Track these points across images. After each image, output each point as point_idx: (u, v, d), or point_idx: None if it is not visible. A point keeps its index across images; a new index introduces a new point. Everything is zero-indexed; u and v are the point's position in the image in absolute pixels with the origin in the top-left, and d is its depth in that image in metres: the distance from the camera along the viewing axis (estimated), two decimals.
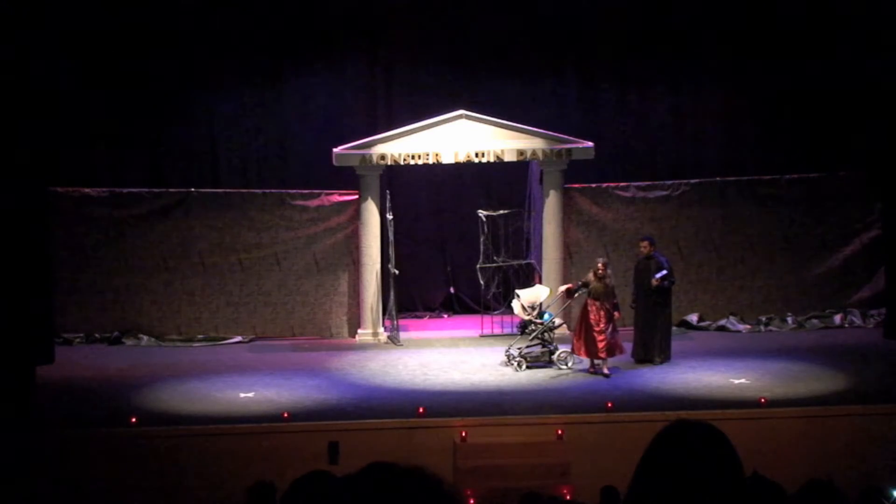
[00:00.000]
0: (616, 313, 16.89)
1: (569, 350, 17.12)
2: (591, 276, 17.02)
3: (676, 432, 3.27)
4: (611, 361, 16.92)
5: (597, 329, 16.65)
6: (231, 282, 19.66)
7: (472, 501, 13.60)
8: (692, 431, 3.27)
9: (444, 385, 16.60)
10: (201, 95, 20.58)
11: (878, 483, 11.23)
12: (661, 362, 17.23)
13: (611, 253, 19.60)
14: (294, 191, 19.78)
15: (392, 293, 19.22)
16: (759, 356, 17.78)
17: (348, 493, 2.73)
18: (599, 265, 16.91)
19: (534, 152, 19.05)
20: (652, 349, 17.31)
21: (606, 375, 16.68)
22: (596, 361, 16.82)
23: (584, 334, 16.80)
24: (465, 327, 20.07)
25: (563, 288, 17.82)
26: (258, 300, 19.71)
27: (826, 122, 20.43)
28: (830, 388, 16.04)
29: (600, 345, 16.65)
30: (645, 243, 17.52)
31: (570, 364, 17.07)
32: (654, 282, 17.16)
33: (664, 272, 17.27)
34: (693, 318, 20.00)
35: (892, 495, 10.16)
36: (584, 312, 16.89)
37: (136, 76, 19.99)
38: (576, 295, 17.29)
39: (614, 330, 16.80)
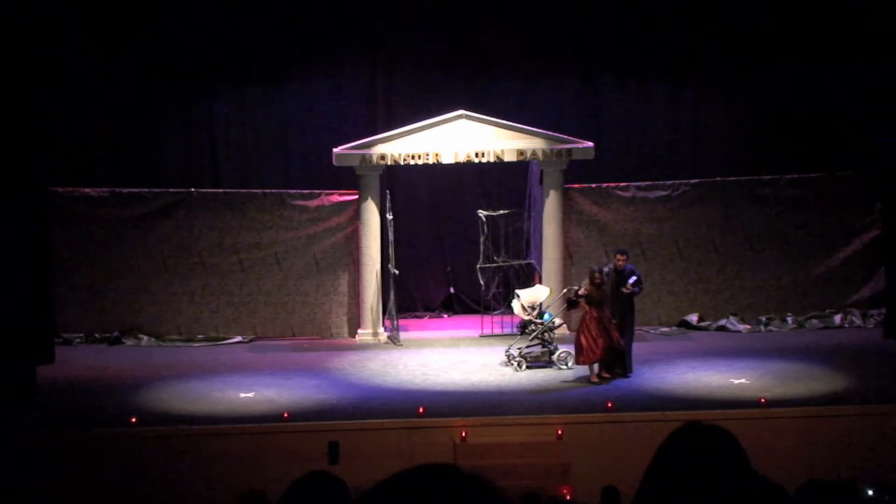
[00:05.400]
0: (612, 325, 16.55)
1: (569, 350, 17.08)
2: (586, 284, 16.66)
3: (689, 435, 3.27)
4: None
5: (592, 337, 16.33)
6: (231, 282, 19.66)
7: None
8: (704, 434, 3.27)
9: (444, 385, 16.60)
10: (201, 95, 20.58)
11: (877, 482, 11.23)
12: (624, 376, 16.66)
13: (610, 253, 19.57)
14: (294, 191, 19.78)
15: (392, 293, 19.22)
16: (759, 356, 17.78)
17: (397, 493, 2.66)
18: (596, 274, 16.61)
19: (534, 152, 19.05)
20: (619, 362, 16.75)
21: (597, 382, 16.50)
22: (595, 368, 16.61)
23: (581, 341, 16.50)
24: (465, 327, 20.06)
25: (564, 292, 17.81)
26: (258, 300, 19.71)
27: (826, 122, 20.43)
28: (830, 388, 16.05)
29: (594, 351, 16.34)
30: (622, 256, 16.97)
31: (570, 364, 17.02)
32: (624, 289, 16.60)
33: (635, 278, 16.74)
34: (693, 318, 19.99)
35: (866, 494, 10.17)
36: (582, 320, 16.66)
37: (136, 76, 19.99)
38: (577, 306, 16.99)
39: (609, 336, 16.47)
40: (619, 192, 19.99)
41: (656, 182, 20.16)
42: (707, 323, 20.00)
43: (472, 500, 2.61)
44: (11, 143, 15.95)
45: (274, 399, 15.93)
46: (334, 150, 18.92)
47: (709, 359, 17.71)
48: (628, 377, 16.66)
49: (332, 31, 20.54)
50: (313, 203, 19.64)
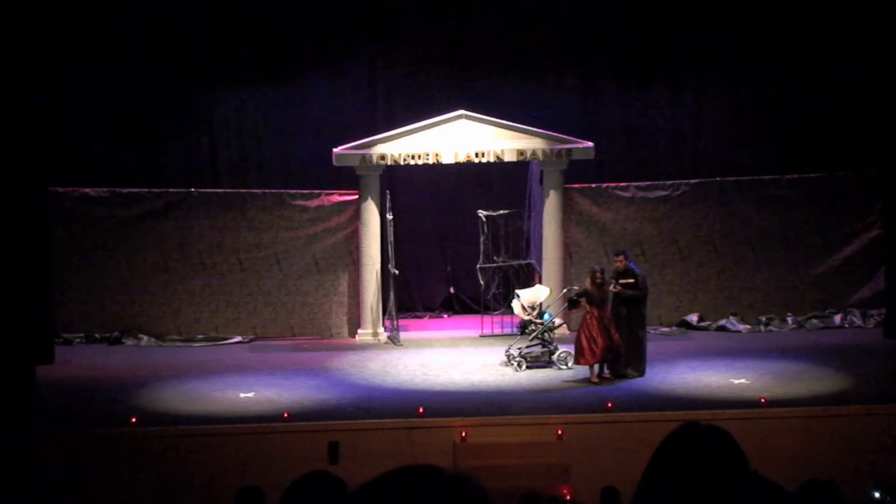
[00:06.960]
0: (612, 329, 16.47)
1: (569, 350, 17.08)
2: (588, 284, 16.65)
3: (686, 435, 3.29)
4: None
5: (592, 337, 16.31)
6: (231, 282, 19.67)
7: None
8: (702, 435, 3.28)
9: (444, 385, 16.59)
10: (201, 95, 20.58)
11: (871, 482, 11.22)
12: (635, 377, 16.64)
13: (610, 253, 19.58)
14: (294, 191, 19.78)
15: (392, 293, 19.22)
16: (759, 356, 17.77)
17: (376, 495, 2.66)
18: (598, 273, 16.61)
19: (534, 152, 19.05)
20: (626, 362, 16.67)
21: (597, 383, 16.48)
22: (595, 368, 16.59)
23: (581, 341, 16.47)
24: (465, 327, 20.06)
25: (564, 292, 17.80)
26: (258, 300, 19.71)
27: (826, 122, 20.43)
28: (830, 388, 16.04)
29: (594, 352, 16.31)
30: (619, 258, 16.83)
31: (570, 364, 17.02)
32: (612, 288, 16.46)
33: (630, 281, 16.59)
34: (693, 318, 20.00)
35: (872, 496, 10.18)
36: (583, 320, 16.64)
37: (136, 76, 19.99)
38: (578, 305, 16.96)
39: (609, 336, 16.43)
40: (619, 192, 19.99)
41: (656, 182, 20.16)
42: (707, 323, 20.00)
43: (454, 500, 2.61)
44: (11, 143, 15.94)
45: (274, 399, 15.92)
46: (334, 150, 18.92)
47: (709, 359, 17.71)
48: (625, 376, 16.58)
49: (331, 31, 20.54)
50: (313, 203, 19.64)
